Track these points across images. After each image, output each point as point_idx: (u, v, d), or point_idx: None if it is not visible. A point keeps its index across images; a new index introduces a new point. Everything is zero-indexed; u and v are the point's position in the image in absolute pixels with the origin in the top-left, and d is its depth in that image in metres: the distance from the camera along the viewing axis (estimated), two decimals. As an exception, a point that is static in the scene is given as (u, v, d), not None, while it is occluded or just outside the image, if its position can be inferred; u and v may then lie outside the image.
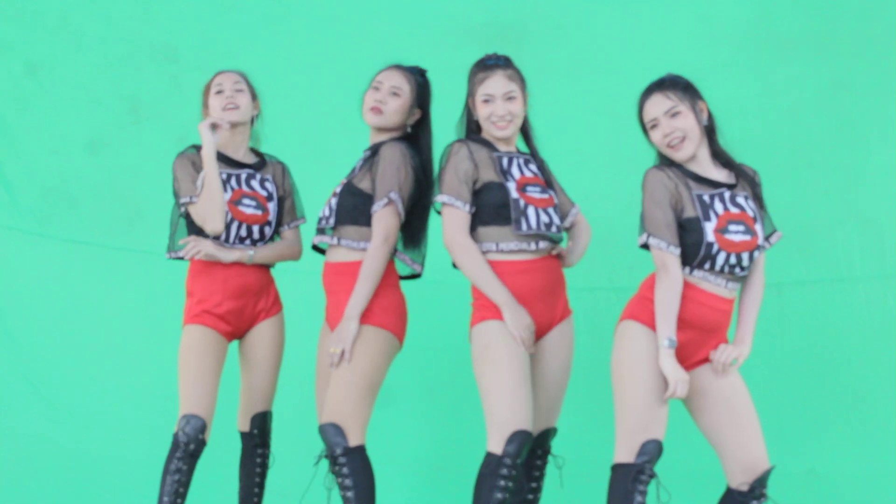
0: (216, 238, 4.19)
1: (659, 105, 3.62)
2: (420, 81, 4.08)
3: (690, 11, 5.24)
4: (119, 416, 5.43)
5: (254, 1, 5.62)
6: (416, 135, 4.09)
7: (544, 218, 3.85)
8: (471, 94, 3.91)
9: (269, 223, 4.27)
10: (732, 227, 3.58)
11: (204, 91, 4.31)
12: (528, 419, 3.72)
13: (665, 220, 3.55)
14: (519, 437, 3.70)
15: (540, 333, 3.90)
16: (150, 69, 5.61)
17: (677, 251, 3.55)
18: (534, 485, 3.99)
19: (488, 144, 3.91)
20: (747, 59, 5.16)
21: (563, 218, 4.03)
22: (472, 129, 3.96)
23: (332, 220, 4.00)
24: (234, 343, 4.33)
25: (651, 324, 3.56)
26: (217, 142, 4.18)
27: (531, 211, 3.83)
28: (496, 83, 3.86)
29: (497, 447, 3.70)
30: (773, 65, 5.17)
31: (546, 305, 3.87)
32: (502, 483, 3.69)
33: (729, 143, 3.76)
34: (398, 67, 4.08)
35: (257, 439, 4.33)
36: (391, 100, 4.02)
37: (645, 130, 3.67)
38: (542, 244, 3.86)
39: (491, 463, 3.71)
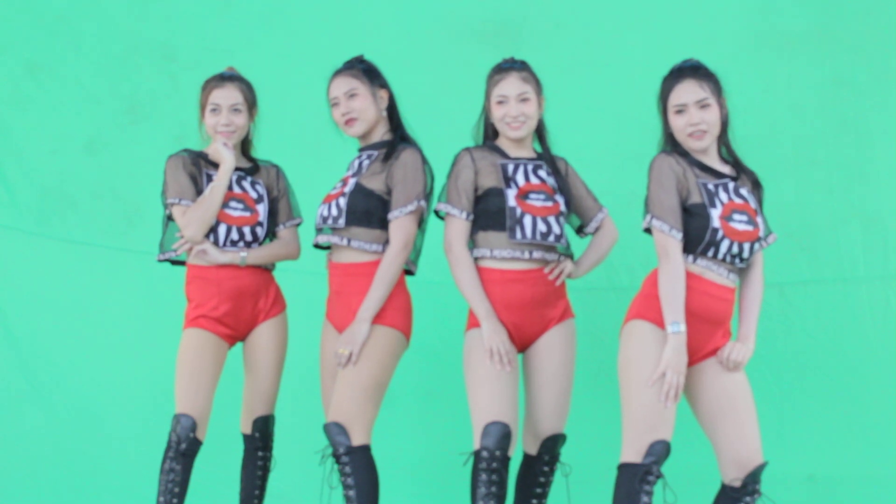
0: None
1: (691, 92, 3.64)
2: (363, 67, 4.12)
3: (691, 8, 5.22)
4: (119, 416, 5.43)
5: (252, 0, 5.60)
6: (404, 136, 4.13)
7: (542, 227, 3.87)
8: (487, 97, 3.99)
9: (260, 224, 4.26)
10: (737, 216, 3.61)
11: (201, 95, 4.30)
12: (506, 413, 3.77)
13: (670, 204, 3.58)
14: (493, 429, 3.75)
15: (531, 339, 3.95)
16: (148, 69, 5.60)
17: (679, 236, 3.56)
18: (538, 490, 3.99)
19: (497, 150, 3.95)
20: (749, 56, 5.14)
21: (587, 223, 4.09)
22: (489, 133, 4.02)
23: (341, 221, 4.00)
24: (240, 345, 4.35)
25: (658, 321, 3.57)
26: (234, 154, 4.24)
27: (527, 220, 3.86)
28: (510, 84, 3.92)
29: (476, 443, 3.78)
30: (775, 62, 5.15)
31: (537, 314, 3.92)
32: (484, 477, 3.75)
33: (731, 141, 3.77)
34: (338, 73, 4.12)
35: (259, 442, 4.33)
36: (354, 103, 4.06)
37: (664, 111, 3.68)
38: (537, 253, 3.89)
39: (474, 460, 3.78)
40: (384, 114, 4.12)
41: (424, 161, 4.05)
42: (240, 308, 4.23)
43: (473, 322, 3.91)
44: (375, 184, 4.01)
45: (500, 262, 3.89)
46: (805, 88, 5.14)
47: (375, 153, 4.08)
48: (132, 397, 5.42)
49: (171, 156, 4.29)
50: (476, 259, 3.93)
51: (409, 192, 3.98)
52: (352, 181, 4.05)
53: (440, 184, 4.04)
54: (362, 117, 4.07)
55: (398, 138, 4.11)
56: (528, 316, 3.91)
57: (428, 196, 4.05)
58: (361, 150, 4.15)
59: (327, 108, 4.16)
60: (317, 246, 4.19)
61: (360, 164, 4.10)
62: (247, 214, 4.24)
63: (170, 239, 4.29)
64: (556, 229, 3.90)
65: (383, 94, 4.12)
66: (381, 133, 4.13)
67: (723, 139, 3.74)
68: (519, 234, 3.86)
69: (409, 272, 4.15)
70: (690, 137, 3.66)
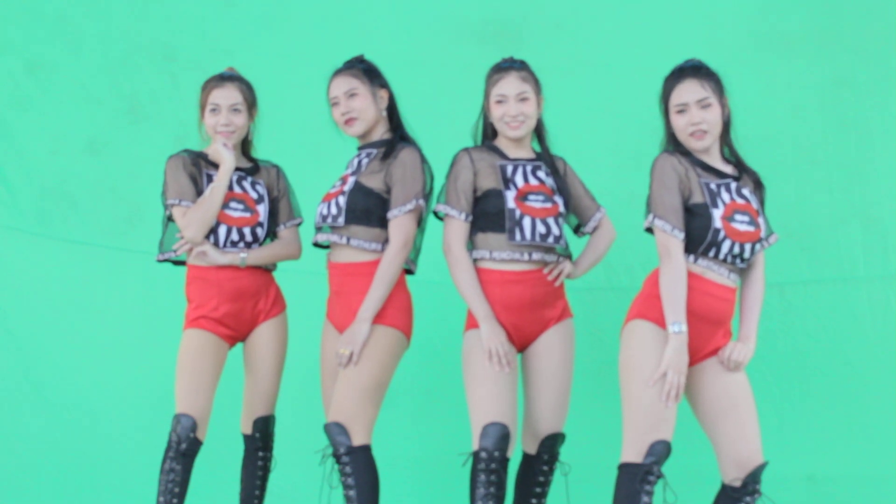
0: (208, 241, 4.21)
1: (692, 92, 3.64)
2: (364, 67, 4.12)
3: (691, 8, 5.22)
4: (119, 416, 5.42)
5: (252, 0, 5.61)
6: (404, 136, 4.13)
7: (541, 228, 3.87)
8: (486, 97, 3.99)
9: (260, 224, 4.26)
10: (738, 217, 3.61)
11: (201, 95, 4.30)
12: (505, 414, 3.77)
13: (672, 204, 3.57)
14: (492, 430, 3.75)
15: (530, 339, 3.96)
16: (148, 69, 5.60)
17: (681, 235, 3.56)
18: (538, 490, 3.99)
19: (496, 151, 3.95)
20: (749, 56, 5.14)
21: (585, 222, 4.09)
22: (488, 133, 4.02)
23: (340, 219, 4.00)
24: (240, 346, 4.35)
25: (659, 321, 3.57)
26: (234, 155, 4.24)
27: (527, 221, 3.86)
28: (509, 84, 3.92)
29: (475, 444, 3.77)
30: (775, 62, 5.15)
31: (536, 314, 3.93)
32: (483, 477, 3.75)
33: (732, 141, 3.77)
34: (338, 73, 4.12)
35: (259, 442, 4.33)
36: (354, 102, 4.07)
37: (665, 111, 3.68)
38: (537, 255, 3.90)
39: (472, 460, 3.78)
40: (384, 113, 4.13)
41: (423, 160, 4.06)
42: (240, 309, 4.24)
43: (472, 323, 3.91)
44: (374, 182, 4.01)
45: (500, 264, 3.89)
46: (805, 88, 5.14)
47: (374, 151, 4.08)
48: (132, 397, 5.42)
49: (171, 156, 4.30)
50: (475, 260, 3.93)
51: (408, 190, 3.98)
52: (351, 179, 4.05)
53: (439, 183, 4.05)
54: (362, 117, 4.07)
55: (398, 137, 4.11)
56: (527, 316, 3.91)
57: (427, 195, 4.05)
58: (360, 148, 4.15)
59: (327, 108, 4.16)
60: (316, 245, 4.18)
61: (360, 162, 4.10)
62: (247, 215, 4.24)
63: (170, 239, 4.29)
64: (555, 230, 3.90)
65: (383, 93, 4.12)
66: (381, 133, 4.14)
67: (725, 139, 3.74)
68: (518, 236, 3.86)
69: (409, 271, 4.15)
70: (691, 137, 3.66)
